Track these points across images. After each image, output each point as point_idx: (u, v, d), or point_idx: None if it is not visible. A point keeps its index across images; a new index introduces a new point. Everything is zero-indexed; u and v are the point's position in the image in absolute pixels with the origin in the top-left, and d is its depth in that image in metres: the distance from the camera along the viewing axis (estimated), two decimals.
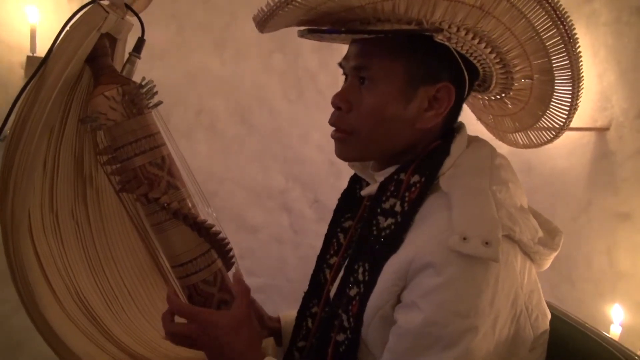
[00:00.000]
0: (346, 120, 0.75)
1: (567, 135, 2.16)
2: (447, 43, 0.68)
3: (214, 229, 0.77)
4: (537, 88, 0.77)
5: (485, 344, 0.65)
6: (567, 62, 0.70)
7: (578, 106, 0.75)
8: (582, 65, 0.70)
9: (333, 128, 0.78)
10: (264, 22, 0.71)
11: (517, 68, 0.74)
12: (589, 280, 1.98)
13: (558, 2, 0.66)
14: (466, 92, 0.75)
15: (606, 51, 1.90)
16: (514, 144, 0.90)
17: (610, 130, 1.90)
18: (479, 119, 0.94)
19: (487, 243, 0.62)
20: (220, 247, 0.79)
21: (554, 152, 2.14)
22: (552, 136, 0.83)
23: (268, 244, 2.42)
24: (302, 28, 0.75)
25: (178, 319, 0.77)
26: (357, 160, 0.82)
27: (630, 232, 1.85)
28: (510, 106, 0.83)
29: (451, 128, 0.78)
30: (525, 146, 0.89)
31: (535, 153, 2.21)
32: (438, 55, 0.71)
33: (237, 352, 0.73)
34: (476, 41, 0.69)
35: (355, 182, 0.89)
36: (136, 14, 0.75)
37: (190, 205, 0.76)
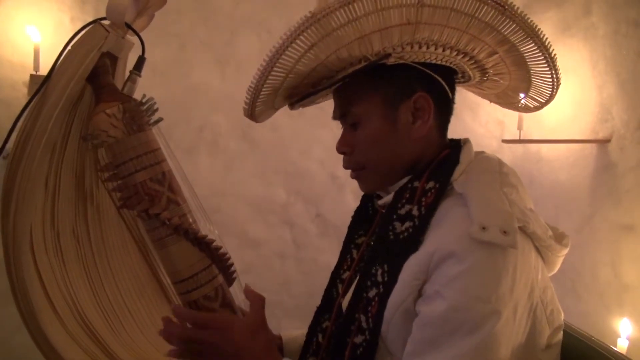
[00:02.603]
0: (354, 160, 0.82)
1: (568, 147, 2.17)
2: (402, 61, 0.74)
3: (214, 244, 0.77)
4: (506, 58, 0.80)
5: (508, 330, 0.67)
6: (515, 25, 0.73)
7: (554, 56, 0.78)
8: (531, 21, 0.73)
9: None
10: (252, 114, 0.84)
11: (476, 51, 0.78)
12: (594, 292, 1.96)
13: None
14: (449, 91, 0.80)
15: (605, 63, 1.91)
16: (528, 109, 0.93)
17: (611, 142, 1.90)
18: (491, 101, 0.98)
19: (505, 232, 0.66)
20: (221, 262, 0.79)
21: (555, 164, 2.14)
22: (550, 91, 0.85)
23: (270, 259, 2.42)
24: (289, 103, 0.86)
25: None
26: (381, 189, 0.85)
27: (634, 243, 1.84)
28: (501, 81, 0.87)
29: (457, 141, 0.83)
30: (537, 108, 0.91)
31: (537, 165, 2.22)
32: (402, 73, 0.76)
33: (255, 356, 0.72)
34: (424, 48, 0.74)
35: (368, 200, 0.92)
36: (136, 33, 0.76)
37: (191, 220, 0.77)
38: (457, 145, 0.80)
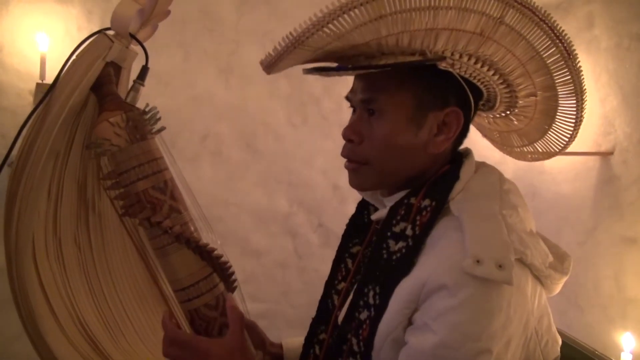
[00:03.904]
0: (359, 152, 0.76)
1: (571, 159, 2.17)
2: (450, 69, 0.70)
3: (215, 252, 0.77)
4: (541, 104, 0.78)
5: None
6: (569, 77, 0.72)
7: (583, 118, 0.77)
8: (583, 79, 0.73)
9: (338, 154, 0.79)
10: (273, 65, 0.72)
11: (521, 87, 0.76)
12: (597, 306, 1.95)
13: (555, 21, 0.68)
14: (472, 114, 0.77)
15: (608, 76, 1.91)
16: (522, 157, 0.91)
17: (614, 155, 1.90)
18: (485, 136, 0.95)
19: (500, 266, 0.63)
20: (222, 270, 0.79)
21: (558, 176, 2.13)
22: (560, 147, 0.83)
23: (272, 269, 2.41)
24: (309, 66, 0.77)
25: None
26: (372, 190, 0.82)
27: (637, 257, 1.83)
28: (515, 122, 0.84)
29: (459, 153, 0.79)
30: (533, 159, 0.90)
31: (539, 178, 2.21)
32: (443, 81, 0.72)
33: None
34: (479, 65, 0.71)
35: (363, 208, 0.89)
36: (140, 43, 0.77)
37: (192, 228, 0.77)
38: (459, 160, 0.77)
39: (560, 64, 0.71)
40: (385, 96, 0.73)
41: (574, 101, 0.75)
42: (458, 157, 0.78)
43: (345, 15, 0.62)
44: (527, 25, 0.67)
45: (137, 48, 0.79)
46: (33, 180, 0.70)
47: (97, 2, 2.04)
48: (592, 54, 1.96)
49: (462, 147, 0.81)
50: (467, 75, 0.72)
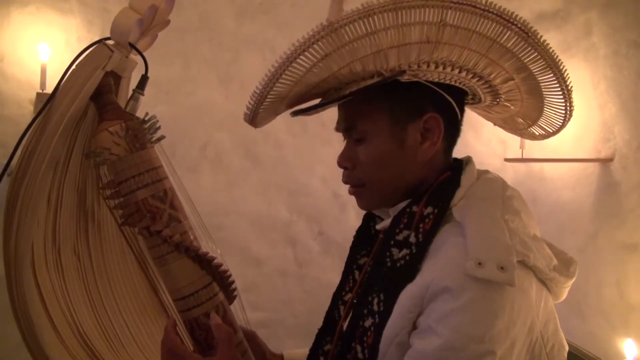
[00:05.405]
0: (355, 176, 0.80)
1: (571, 166, 2.16)
2: (415, 79, 0.72)
3: (215, 261, 0.77)
4: (522, 85, 0.78)
5: None
6: (536, 54, 0.72)
7: (570, 89, 0.76)
8: (552, 51, 0.72)
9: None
10: (253, 120, 0.80)
11: (492, 75, 0.76)
12: (599, 313, 1.94)
13: (501, 7, 0.68)
14: (459, 113, 0.78)
15: (606, 83, 1.92)
16: (533, 137, 0.91)
17: (614, 162, 1.90)
18: (496, 124, 0.96)
19: (502, 268, 0.63)
20: (222, 279, 0.79)
21: (559, 183, 2.13)
22: (561, 122, 0.84)
23: (273, 277, 2.41)
24: (291, 110, 0.83)
25: None
26: (379, 207, 0.84)
27: (639, 264, 1.82)
28: (512, 107, 0.85)
29: (459, 161, 0.80)
30: (543, 137, 0.89)
31: (540, 184, 2.21)
32: (414, 91, 0.74)
33: None
34: (441, 68, 0.72)
35: (370, 219, 0.90)
36: (140, 53, 0.77)
37: (192, 237, 0.77)
38: (459, 167, 0.78)
39: (521, 45, 0.70)
40: (362, 122, 0.77)
41: (552, 75, 0.74)
42: (458, 165, 0.79)
43: (294, 64, 0.68)
44: (472, 19, 0.67)
45: (136, 57, 0.79)
46: (33, 189, 0.69)
47: (98, 12, 2.06)
48: (591, 62, 1.97)
49: (464, 156, 0.82)
50: (436, 80, 0.73)
